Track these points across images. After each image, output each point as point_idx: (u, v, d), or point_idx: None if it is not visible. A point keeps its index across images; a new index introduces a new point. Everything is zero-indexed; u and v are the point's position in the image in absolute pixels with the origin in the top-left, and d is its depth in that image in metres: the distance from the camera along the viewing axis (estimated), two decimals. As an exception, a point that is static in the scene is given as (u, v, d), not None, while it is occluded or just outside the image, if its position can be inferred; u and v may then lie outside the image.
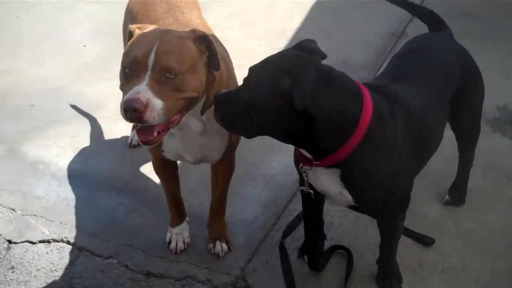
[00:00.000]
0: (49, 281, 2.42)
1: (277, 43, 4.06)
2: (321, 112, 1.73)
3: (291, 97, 1.67)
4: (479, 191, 2.75)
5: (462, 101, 2.30)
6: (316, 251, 2.41)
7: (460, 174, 2.67)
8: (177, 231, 2.53)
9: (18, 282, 2.43)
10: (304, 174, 2.01)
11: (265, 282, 2.37)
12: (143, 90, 1.76)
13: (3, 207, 2.78)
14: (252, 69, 1.84)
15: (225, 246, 2.49)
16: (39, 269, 2.47)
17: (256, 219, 2.65)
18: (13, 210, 2.76)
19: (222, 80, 2.05)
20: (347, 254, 2.44)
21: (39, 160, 3.03)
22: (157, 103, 1.77)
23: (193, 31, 1.96)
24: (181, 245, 2.51)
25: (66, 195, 2.84)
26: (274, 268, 2.41)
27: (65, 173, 2.97)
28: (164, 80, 1.81)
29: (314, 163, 1.90)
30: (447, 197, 2.70)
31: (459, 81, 2.23)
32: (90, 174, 2.95)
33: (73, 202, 2.79)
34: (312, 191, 2.09)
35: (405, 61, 2.22)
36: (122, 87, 1.88)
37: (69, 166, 3.01)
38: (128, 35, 1.98)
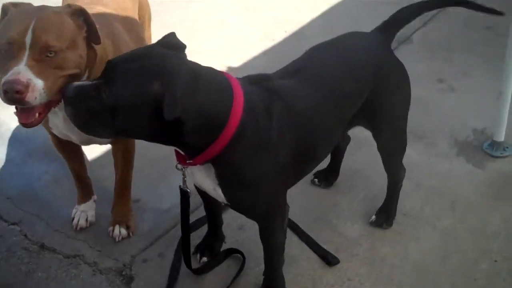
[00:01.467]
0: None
1: (273, 35, 3.93)
2: (188, 115, 1.60)
3: (160, 104, 1.55)
4: (414, 216, 2.54)
5: (377, 108, 2.11)
6: (210, 251, 2.32)
7: (388, 194, 2.47)
8: (82, 208, 2.50)
9: None
10: (182, 172, 1.91)
11: (148, 274, 2.29)
12: (23, 70, 1.70)
13: None
14: (114, 65, 1.65)
15: (124, 231, 2.43)
16: None
17: (171, 209, 2.56)
18: (-51, 164, 2.83)
19: (107, 56, 1.96)
20: (243, 259, 2.32)
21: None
22: (38, 83, 1.72)
23: (69, 5, 1.89)
24: (82, 223, 2.47)
25: (1, 156, 2.87)
26: (165, 261, 2.33)
27: (10, 135, 3.00)
28: (44, 58, 1.75)
29: (187, 161, 1.80)
30: (373, 217, 2.50)
31: (370, 85, 2.04)
32: (33, 140, 2.96)
33: (5, 164, 2.82)
34: (189, 190, 2.00)
35: (309, 56, 2.06)
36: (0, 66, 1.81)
37: (18, 129, 3.04)
38: (1, 13, 1.90)
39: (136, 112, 1.60)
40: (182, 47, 1.74)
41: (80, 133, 2.04)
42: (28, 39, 1.73)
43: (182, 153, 1.80)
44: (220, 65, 3.48)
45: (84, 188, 2.49)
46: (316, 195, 2.67)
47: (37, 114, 1.80)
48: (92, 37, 1.89)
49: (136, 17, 2.51)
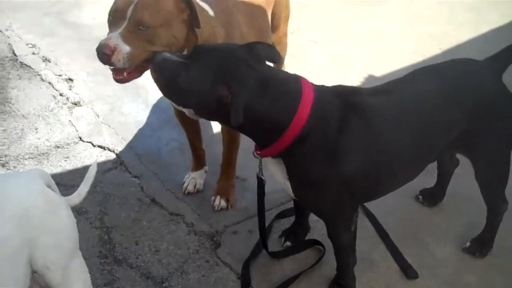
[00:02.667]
0: (83, 176, 2.83)
1: (424, 50, 3.90)
2: (251, 116, 1.76)
3: (223, 104, 1.74)
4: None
5: (476, 138, 2.07)
6: (294, 239, 2.43)
7: (487, 224, 2.38)
8: (193, 175, 2.74)
9: (63, 169, 2.89)
10: (259, 161, 2.05)
11: (234, 245, 2.46)
12: (113, 37, 2.00)
13: (93, 111, 3.28)
14: (198, 52, 1.85)
15: (223, 203, 2.63)
16: (83, 166, 2.90)
17: (270, 193, 2.68)
18: (97, 116, 3.25)
19: (217, 39, 2.17)
20: (323, 251, 2.39)
21: (143, 86, 3.45)
22: (124, 49, 2.00)
23: None
24: (190, 188, 2.72)
25: (143, 119, 3.23)
26: (252, 238, 2.48)
27: (155, 102, 3.35)
28: (136, 31, 2.01)
29: (257, 152, 1.94)
30: (468, 243, 2.43)
31: (469, 115, 2.00)
32: (169, 109, 3.27)
33: (143, 126, 3.17)
34: (264, 178, 2.13)
35: (408, 78, 2.07)
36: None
37: (163, 98, 3.37)
38: None
39: (201, 102, 1.82)
40: (264, 58, 1.87)
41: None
42: (129, 12, 2.01)
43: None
44: (360, 71, 3.55)
45: (198, 158, 2.74)
46: (417, 211, 2.65)
47: (125, 74, 2.09)
48: (193, 21, 2.11)
49: (267, 12, 2.67)
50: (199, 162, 2.76)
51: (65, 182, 2.76)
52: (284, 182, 1.98)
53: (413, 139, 1.95)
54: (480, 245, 2.40)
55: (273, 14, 2.79)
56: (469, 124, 2.02)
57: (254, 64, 1.80)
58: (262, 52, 1.86)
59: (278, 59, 1.93)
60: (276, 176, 2.01)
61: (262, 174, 2.11)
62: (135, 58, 2.02)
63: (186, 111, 2.25)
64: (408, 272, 2.32)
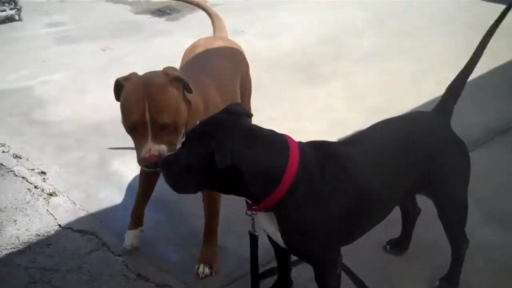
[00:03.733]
0: (67, 260, 2.94)
1: (372, 120, 4.24)
2: (246, 167, 1.95)
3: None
4: (475, 285, 2.64)
5: (436, 181, 2.34)
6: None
7: (451, 262, 2.61)
8: (131, 235, 2.96)
9: (46, 255, 2.98)
10: (251, 218, 2.24)
11: (222, 308, 2.59)
12: (151, 147, 2.26)
13: (69, 199, 3.41)
14: (190, 132, 2.08)
15: (207, 270, 2.76)
16: (65, 250, 3.00)
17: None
18: (74, 203, 3.38)
19: (199, 110, 2.44)
20: (307, 304, 2.55)
21: (115, 172, 3.62)
22: (164, 149, 2.28)
23: (166, 73, 2.37)
24: (129, 246, 2.94)
25: (119, 201, 3.38)
26: (239, 300, 2.62)
27: (128, 185, 3.51)
28: (162, 131, 2.29)
29: (253, 208, 2.13)
30: (437, 283, 2.64)
31: (427, 160, 2.28)
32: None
33: (120, 208, 3.31)
34: (257, 234, 2.31)
35: (371, 130, 2.35)
36: (131, 136, 2.37)
37: (135, 179, 3.55)
38: (117, 85, 2.41)
39: (201, 167, 1.98)
40: (244, 113, 2.12)
41: None
42: (147, 118, 2.26)
43: (249, 201, 2.14)
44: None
45: (138, 217, 2.97)
46: (386, 259, 2.85)
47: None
48: (186, 89, 2.39)
49: (234, 85, 2.96)
50: (138, 220, 2.97)
51: (50, 267, 2.86)
52: (275, 233, 2.16)
53: (382, 182, 2.20)
54: (448, 283, 2.61)
55: (240, 87, 3.09)
56: (426, 167, 2.29)
57: (235, 119, 2.03)
58: (238, 109, 2.10)
59: (250, 113, 2.16)
60: (268, 229, 2.19)
61: (255, 231, 2.28)
62: (171, 150, 2.28)
63: None
64: (387, 315, 2.49)
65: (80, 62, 5.42)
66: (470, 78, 2.45)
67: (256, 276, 2.41)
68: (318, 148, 2.15)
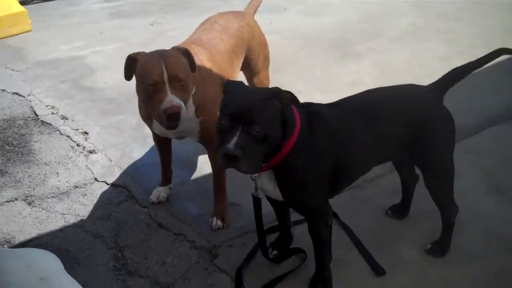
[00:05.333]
0: (98, 209, 3.29)
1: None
2: (289, 115, 2.25)
3: (283, 111, 2.19)
4: (469, 251, 2.82)
5: (421, 150, 2.54)
6: (281, 248, 2.85)
7: (442, 228, 2.79)
8: (159, 189, 3.30)
9: (81, 204, 3.35)
10: (254, 182, 2.47)
11: (230, 256, 2.88)
12: (173, 98, 2.55)
13: (106, 157, 3.76)
14: (239, 110, 2.12)
15: (219, 223, 3.06)
16: (98, 200, 3.36)
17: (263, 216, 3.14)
18: (110, 160, 3.73)
19: (197, 85, 2.76)
20: (305, 257, 2.80)
21: (149, 134, 3.93)
22: (182, 104, 2.59)
23: (177, 48, 2.70)
24: (154, 199, 3.28)
25: (150, 161, 3.70)
26: (245, 250, 2.89)
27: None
28: (178, 87, 2.58)
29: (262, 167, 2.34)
30: (429, 246, 2.83)
31: (410, 129, 2.48)
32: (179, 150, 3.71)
33: (150, 167, 3.63)
34: (260, 196, 2.55)
35: (359, 95, 2.56)
36: (146, 101, 2.67)
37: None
38: (129, 61, 2.68)
39: (275, 127, 2.19)
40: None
41: (174, 131, 2.76)
42: (165, 77, 2.55)
43: None
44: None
45: (166, 176, 3.30)
46: (387, 223, 3.06)
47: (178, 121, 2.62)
48: (192, 67, 2.68)
49: (230, 57, 3.17)
50: (166, 179, 3.30)
51: (83, 214, 3.22)
52: (274, 189, 2.42)
53: (361, 140, 2.42)
54: (439, 246, 2.81)
55: (248, 60, 3.36)
56: (411, 135, 2.48)
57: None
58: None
59: None
60: (268, 187, 2.44)
61: (259, 193, 2.53)
62: (184, 109, 2.59)
63: (171, 135, 2.87)
64: (377, 269, 2.72)
65: (129, 36, 5.75)
66: (500, 59, 2.62)
67: (262, 232, 2.67)
68: (305, 107, 2.39)
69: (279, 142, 2.22)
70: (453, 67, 2.62)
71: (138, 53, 2.70)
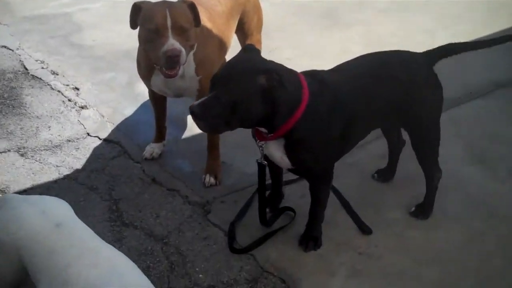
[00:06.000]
0: (92, 162, 3.35)
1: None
2: (284, 98, 2.29)
3: (266, 92, 2.23)
4: (450, 215, 2.96)
5: (410, 113, 2.67)
6: (272, 206, 2.95)
7: (426, 191, 2.92)
8: (153, 146, 3.37)
9: (75, 157, 3.40)
10: (260, 148, 2.56)
11: (222, 212, 2.97)
12: (175, 42, 2.61)
13: (98, 113, 3.81)
14: (220, 77, 2.25)
15: (212, 180, 3.15)
16: (91, 154, 3.41)
17: (252, 175, 3.19)
18: (102, 116, 3.77)
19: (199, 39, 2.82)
20: (294, 215, 2.92)
21: (142, 93, 3.98)
22: (182, 49, 2.63)
23: (183, 0, 2.75)
24: (147, 155, 3.35)
25: (142, 118, 3.75)
26: (237, 206, 2.98)
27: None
28: (181, 34, 2.63)
29: (269, 136, 2.45)
30: (413, 208, 2.97)
31: (402, 92, 2.59)
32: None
33: (143, 124, 3.68)
34: (266, 162, 2.64)
35: (355, 60, 2.66)
36: (148, 46, 2.71)
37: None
38: (134, 9, 2.75)
39: (250, 101, 2.24)
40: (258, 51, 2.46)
41: (173, 88, 2.83)
42: (169, 23, 2.60)
43: (263, 132, 2.45)
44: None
45: (160, 132, 3.37)
46: (373, 186, 3.18)
47: (178, 68, 2.70)
48: (196, 22, 2.74)
49: (227, 18, 3.22)
50: (160, 136, 3.38)
51: (77, 166, 3.28)
52: (281, 157, 2.51)
53: (364, 103, 2.52)
54: (423, 208, 2.94)
55: (242, 22, 3.42)
56: (402, 99, 2.60)
57: (264, 58, 2.38)
58: (251, 48, 2.43)
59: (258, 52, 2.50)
60: (274, 155, 2.53)
61: (264, 160, 2.61)
62: (184, 56, 2.64)
63: (170, 92, 2.93)
64: (364, 228, 2.85)
65: (118, -7, 5.73)
66: (483, 34, 2.71)
67: (263, 199, 2.78)
68: (311, 75, 2.47)
69: (260, 118, 2.30)
70: (438, 40, 2.73)
71: (143, 1, 2.75)
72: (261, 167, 2.67)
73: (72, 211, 1.95)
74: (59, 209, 1.90)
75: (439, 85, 2.68)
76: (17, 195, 2.09)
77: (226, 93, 2.22)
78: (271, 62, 2.37)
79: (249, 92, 2.23)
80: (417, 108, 2.64)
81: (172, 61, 2.62)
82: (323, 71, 2.57)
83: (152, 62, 2.76)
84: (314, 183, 2.64)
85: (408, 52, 2.75)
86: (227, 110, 2.23)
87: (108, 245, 1.83)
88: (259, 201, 2.79)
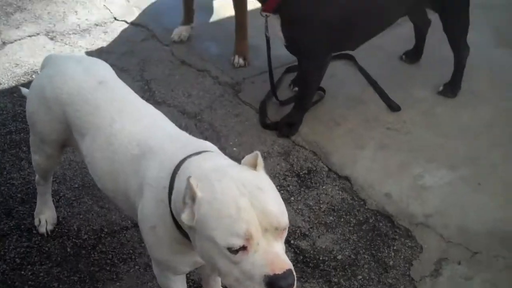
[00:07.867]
0: (121, 45, 3.38)
1: None
2: None
3: None
4: (479, 94, 3.00)
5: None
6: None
7: (454, 69, 2.94)
8: (181, 28, 3.38)
9: (104, 40, 3.43)
10: (265, 20, 2.59)
11: (252, 91, 3.05)
12: None
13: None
14: None
15: (241, 61, 3.18)
16: (120, 38, 3.44)
17: (280, 56, 3.21)
18: (128, 1, 3.76)
19: None
20: (323, 94, 2.97)
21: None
22: None
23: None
24: (175, 37, 3.37)
25: (170, 2, 3.73)
26: (266, 86, 3.02)
27: None
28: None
29: (263, 7, 2.50)
30: (441, 87, 3.00)
31: None
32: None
33: (170, 8, 3.66)
34: (268, 35, 2.68)
35: None
36: None
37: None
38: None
39: None
40: None
41: None
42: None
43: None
44: None
45: (188, 15, 3.37)
46: (401, 67, 3.21)
47: None
48: None
49: None
50: (188, 18, 3.37)
51: (106, 49, 3.32)
52: (278, 33, 2.55)
53: None
54: (451, 87, 2.98)
55: None
56: None
57: None
58: None
59: None
60: (275, 30, 2.57)
61: (268, 32, 2.65)
62: None
63: None
64: (393, 105, 2.90)
65: None
66: None
67: (271, 72, 2.83)
68: None
69: None
70: None
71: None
72: (267, 40, 2.71)
73: (113, 71, 1.99)
74: (102, 68, 1.93)
75: None
76: (61, 54, 2.12)
77: None
78: None
79: None
80: None
81: None
82: None
83: None
84: (302, 63, 2.69)
85: None
86: None
87: (147, 102, 1.88)
88: (269, 69, 2.82)
